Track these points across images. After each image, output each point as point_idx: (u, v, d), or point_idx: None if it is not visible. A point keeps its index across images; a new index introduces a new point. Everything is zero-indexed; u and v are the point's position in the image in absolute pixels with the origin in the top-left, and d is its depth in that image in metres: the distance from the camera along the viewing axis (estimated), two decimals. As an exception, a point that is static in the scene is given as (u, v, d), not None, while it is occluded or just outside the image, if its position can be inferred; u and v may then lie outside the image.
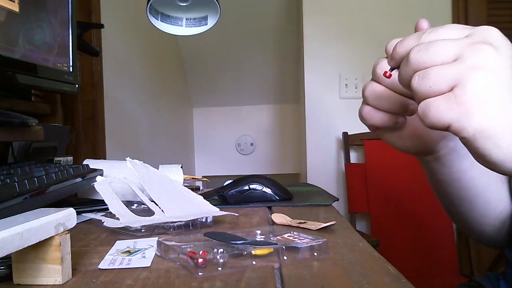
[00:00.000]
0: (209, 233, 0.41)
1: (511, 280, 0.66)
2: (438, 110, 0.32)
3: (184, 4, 0.86)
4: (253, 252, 0.37)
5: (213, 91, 2.82)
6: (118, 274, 0.35)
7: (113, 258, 0.39)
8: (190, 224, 0.52)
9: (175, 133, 2.51)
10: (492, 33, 0.33)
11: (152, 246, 0.43)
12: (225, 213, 0.54)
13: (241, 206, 0.67)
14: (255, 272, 0.34)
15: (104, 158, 1.41)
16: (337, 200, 0.73)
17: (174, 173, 0.72)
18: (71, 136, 1.28)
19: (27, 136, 0.76)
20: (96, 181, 0.58)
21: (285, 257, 0.37)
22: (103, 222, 0.48)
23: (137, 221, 0.49)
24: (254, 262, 0.36)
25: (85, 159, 0.71)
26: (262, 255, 0.37)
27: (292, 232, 0.44)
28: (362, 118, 0.44)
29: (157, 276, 0.34)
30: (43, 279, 0.32)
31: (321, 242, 0.39)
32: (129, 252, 0.41)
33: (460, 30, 0.34)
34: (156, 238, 0.43)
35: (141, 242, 0.44)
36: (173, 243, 0.40)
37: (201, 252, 0.36)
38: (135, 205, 0.64)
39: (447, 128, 0.32)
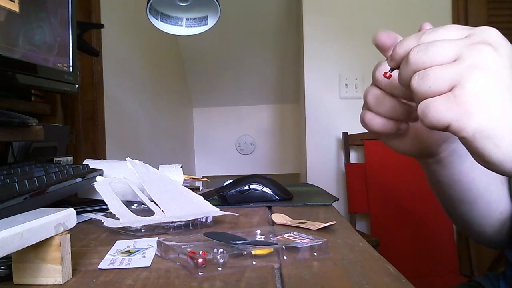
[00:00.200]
0: (209, 233, 0.41)
1: (511, 281, 0.66)
2: (437, 110, 0.32)
3: (184, 4, 0.86)
4: (253, 252, 0.37)
5: (213, 91, 2.82)
6: (118, 274, 0.35)
7: (113, 258, 0.39)
8: (190, 224, 0.52)
9: (175, 133, 2.51)
10: (491, 33, 0.33)
11: (152, 246, 0.43)
12: (225, 213, 0.54)
13: (241, 206, 0.67)
14: (255, 272, 0.34)
15: (104, 158, 1.41)
16: (337, 200, 0.73)
17: (174, 173, 0.72)
18: (71, 136, 1.28)
19: (27, 136, 0.76)
20: (96, 181, 0.58)
21: (285, 257, 0.37)
22: (103, 222, 0.48)
23: (137, 221, 0.49)
24: (254, 262, 0.36)
25: (85, 159, 0.71)
26: (262, 255, 0.37)
27: (292, 232, 0.44)
28: (363, 123, 0.44)
29: (157, 276, 0.34)
30: (43, 279, 0.32)
31: (321, 242, 0.39)
32: (129, 252, 0.41)
33: (459, 30, 0.34)
34: (156, 238, 0.43)
35: (141, 242, 0.44)
36: (173, 243, 0.40)
37: (201, 252, 0.36)
38: (135, 205, 0.64)
39: (446, 128, 0.32)
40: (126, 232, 0.49)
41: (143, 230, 0.49)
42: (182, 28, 0.90)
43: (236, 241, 0.39)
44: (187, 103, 2.83)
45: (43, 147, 0.89)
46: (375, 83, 0.42)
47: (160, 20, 0.88)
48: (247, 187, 0.70)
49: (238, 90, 2.81)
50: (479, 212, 0.57)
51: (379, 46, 0.42)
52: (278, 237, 0.43)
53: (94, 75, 1.37)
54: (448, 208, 0.60)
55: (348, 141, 1.90)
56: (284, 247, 0.38)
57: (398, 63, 0.36)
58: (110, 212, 0.52)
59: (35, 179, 0.49)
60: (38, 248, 0.32)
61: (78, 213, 0.43)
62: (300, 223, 0.52)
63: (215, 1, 0.84)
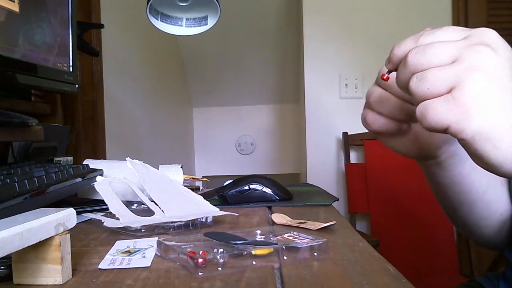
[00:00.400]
0: (209, 233, 0.41)
1: (511, 281, 0.66)
2: (436, 112, 0.32)
3: (184, 4, 0.86)
4: (253, 252, 0.37)
5: (213, 91, 2.82)
6: (118, 274, 0.35)
7: (113, 258, 0.39)
8: (190, 224, 0.52)
9: (175, 133, 2.51)
10: (490, 34, 0.33)
11: (152, 246, 0.43)
12: (225, 213, 0.54)
13: (241, 206, 0.67)
14: (255, 272, 0.34)
15: (104, 158, 1.41)
16: (337, 200, 0.73)
17: (174, 173, 0.72)
18: (71, 136, 1.28)
19: (27, 136, 0.76)
20: (96, 181, 0.58)
21: (285, 257, 0.37)
22: (103, 222, 0.48)
23: (137, 221, 0.49)
24: (254, 262, 0.36)
25: (85, 159, 0.71)
26: (262, 255, 0.37)
27: (292, 232, 0.44)
28: (365, 123, 0.44)
29: (157, 276, 0.34)
30: (43, 279, 0.32)
31: (321, 242, 0.39)
32: (129, 252, 0.41)
33: (458, 32, 0.34)
34: (156, 238, 0.43)
35: (141, 242, 0.44)
36: (173, 243, 0.40)
37: (201, 252, 0.36)
38: (135, 205, 0.64)
39: (445, 130, 0.32)
40: (126, 232, 0.49)
41: (143, 230, 0.49)
42: (182, 28, 0.90)
43: (236, 241, 0.39)
44: (187, 103, 2.83)
45: (43, 147, 0.89)
46: (377, 83, 0.42)
47: (160, 20, 0.88)
48: (247, 187, 0.70)
49: (238, 90, 2.81)
50: (479, 214, 0.57)
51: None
52: (278, 237, 0.43)
53: (94, 75, 1.37)
54: (448, 209, 0.60)
55: (348, 141, 1.90)
56: (284, 247, 0.38)
57: (396, 66, 0.36)
58: (110, 212, 0.52)
59: (35, 179, 0.49)
60: (38, 248, 0.32)
61: (78, 213, 0.43)
62: (300, 223, 0.52)
63: (215, 1, 0.84)
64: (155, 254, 0.40)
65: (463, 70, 0.31)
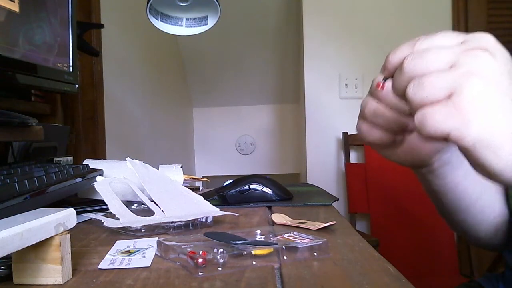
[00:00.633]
0: (209, 233, 0.41)
1: (510, 282, 0.66)
2: (436, 119, 0.31)
3: (184, 4, 0.86)
4: (253, 252, 0.37)
5: (213, 91, 2.82)
6: (118, 274, 0.35)
7: (113, 258, 0.39)
8: (190, 224, 0.52)
9: (175, 133, 2.51)
10: (487, 39, 0.32)
11: (152, 246, 0.43)
12: (225, 213, 0.54)
13: (241, 206, 0.67)
14: (255, 272, 0.34)
15: (104, 158, 1.41)
16: (337, 200, 0.73)
17: (174, 173, 0.72)
18: (71, 136, 1.28)
19: (27, 136, 0.76)
20: (96, 181, 0.58)
21: (285, 257, 0.37)
22: (103, 222, 0.48)
23: (137, 221, 0.49)
24: (254, 262, 0.36)
25: (85, 159, 0.71)
26: (262, 255, 0.37)
27: (292, 232, 0.44)
28: (360, 134, 0.43)
29: (157, 276, 0.34)
30: (43, 279, 0.32)
31: (321, 242, 0.39)
32: (129, 252, 0.41)
33: (454, 37, 0.33)
34: (156, 238, 0.43)
35: (141, 242, 0.44)
36: (173, 243, 0.40)
37: (201, 252, 0.36)
38: (135, 205, 0.64)
39: (446, 138, 0.31)
40: (126, 232, 0.49)
41: (143, 230, 0.49)
42: (182, 28, 0.90)
43: (236, 241, 0.39)
44: (187, 103, 2.83)
45: (43, 147, 0.89)
46: (372, 94, 0.42)
47: (160, 20, 0.88)
48: (247, 187, 0.70)
49: (238, 90, 2.81)
50: (473, 219, 0.57)
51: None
52: (278, 237, 0.43)
53: (94, 75, 1.37)
54: (444, 215, 0.60)
55: (348, 141, 1.90)
56: (284, 247, 0.38)
57: (391, 73, 0.35)
58: (110, 212, 0.52)
59: (35, 179, 0.49)
60: (38, 248, 0.32)
61: (78, 213, 0.43)
62: (300, 223, 0.52)
63: (215, 1, 0.84)
64: (155, 254, 0.40)
65: (461, 75, 0.31)
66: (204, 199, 0.58)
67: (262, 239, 0.43)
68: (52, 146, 0.92)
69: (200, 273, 0.34)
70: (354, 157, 1.96)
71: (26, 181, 0.47)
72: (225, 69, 2.67)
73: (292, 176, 2.84)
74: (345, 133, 1.91)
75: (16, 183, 0.46)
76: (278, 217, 0.55)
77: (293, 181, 2.76)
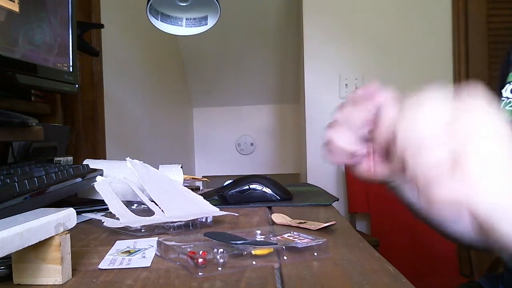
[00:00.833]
0: (209, 233, 0.41)
1: (509, 283, 0.66)
2: (444, 189, 0.29)
3: (184, 4, 0.86)
4: (253, 252, 0.37)
5: (213, 91, 2.82)
6: (118, 274, 0.35)
7: (113, 258, 0.39)
8: (190, 224, 0.52)
9: (175, 133, 2.51)
10: (479, 99, 0.30)
11: (152, 246, 0.42)
12: (225, 213, 0.54)
13: (241, 206, 0.67)
14: (255, 272, 0.34)
15: (104, 158, 1.41)
16: (337, 200, 0.73)
17: (174, 173, 0.72)
18: (71, 136, 1.28)
19: (27, 136, 0.76)
20: (96, 181, 0.58)
21: (285, 257, 0.37)
22: (103, 222, 0.48)
23: (137, 221, 0.49)
24: (254, 262, 0.36)
25: (85, 159, 0.71)
26: (262, 255, 0.37)
27: (292, 232, 0.44)
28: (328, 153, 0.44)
29: (157, 276, 0.34)
30: (43, 279, 0.32)
31: (321, 242, 0.39)
32: (129, 252, 0.41)
33: (445, 99, 0.31)
34: (156, 238, 0.43)
35: (141, 242, 0.44)
36: (173, 243, 0.40)
37: (201, 252, 0.36)
38: (135, 205, 0.64)
39: (458, 206, 0.30)
40: (126, 232, 0.49)
41: (143, 230, 0.49)
42: (182, 28, 0.90)
43: (236, 241, 0.39)
44: (187, 103, 2.83)
45: (43, 147, 0.89)
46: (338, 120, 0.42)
47: (160, 20, 0.88)
48: (247, 187, 0.70)
49: (238, 90, 2.81)
50: (454, 231, 0.56)
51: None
52: (278, 237, 0.43)
53: (94, 75, 1.37)
54: (429, 226, 0.59)
55: (348, 141, 1.90)
56: (284, 247, 0.38)
57: (383, 145, 0.35)
58: (110, 212, 0.52)
59: (35, 179, 0.49)
60: (38, 248, 0.32)
61: (78, 213, 0.43)
62: (300, 223, 0.52)
63: (215, 1, 0.84)
64: (155, 254, 0.40)
65: (461, 139, 0.29)
66: (204, 199, 0.58)
67: (262, 239, 0.43)
68: (52, 146, 0.92)
69: (200, 273, 0.34)
70: (354, 157, 1.96)
71: (26, 181, 0.47)
72: (225, 69, 2.67)
73: (292, 176, 2.84)
74: (345, 133, 1.91)
75: (16, 183, 0.46)
76: (278, 217, 0.55)
77: (293, 181, 2.76)
